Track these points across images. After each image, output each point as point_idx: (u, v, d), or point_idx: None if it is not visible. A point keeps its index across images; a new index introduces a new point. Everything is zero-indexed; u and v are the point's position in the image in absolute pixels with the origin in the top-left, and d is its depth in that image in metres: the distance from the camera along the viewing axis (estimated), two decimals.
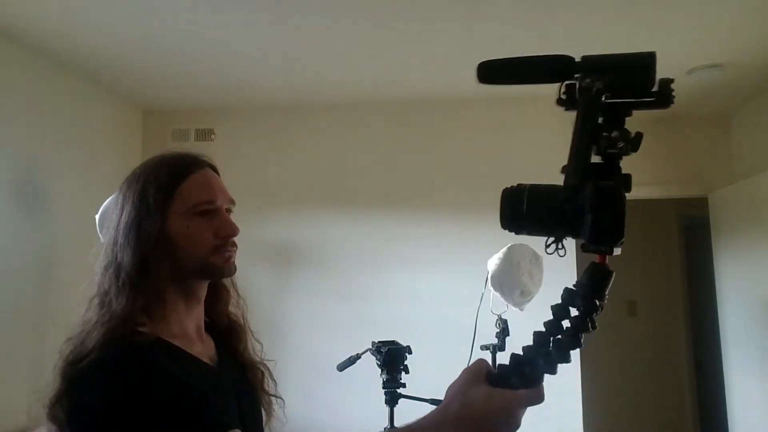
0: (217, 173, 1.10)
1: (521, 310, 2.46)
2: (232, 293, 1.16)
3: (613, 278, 0.72)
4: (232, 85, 3.30)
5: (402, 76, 3.17)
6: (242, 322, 1.18)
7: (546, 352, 0.73)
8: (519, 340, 2.75)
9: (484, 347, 2.48)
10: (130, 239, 0.98)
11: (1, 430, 2.46)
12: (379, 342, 2.16)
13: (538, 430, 3.16)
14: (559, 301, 0.74)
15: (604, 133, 0.69)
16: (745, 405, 3.43)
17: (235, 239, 1.05)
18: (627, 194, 0.71)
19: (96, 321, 0.94)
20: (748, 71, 3.05)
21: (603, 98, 0.68)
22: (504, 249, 2.45)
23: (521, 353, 0.74)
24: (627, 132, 0.69)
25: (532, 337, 0.74)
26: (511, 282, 2.38)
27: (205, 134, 3.67)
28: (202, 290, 1.07)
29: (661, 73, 0.69)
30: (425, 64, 3.01)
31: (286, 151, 3.64)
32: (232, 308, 1.17)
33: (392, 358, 2.11)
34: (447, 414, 0.74)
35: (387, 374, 2.12)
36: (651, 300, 4.65)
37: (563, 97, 0.71)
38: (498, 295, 2.41)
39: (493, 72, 0.77)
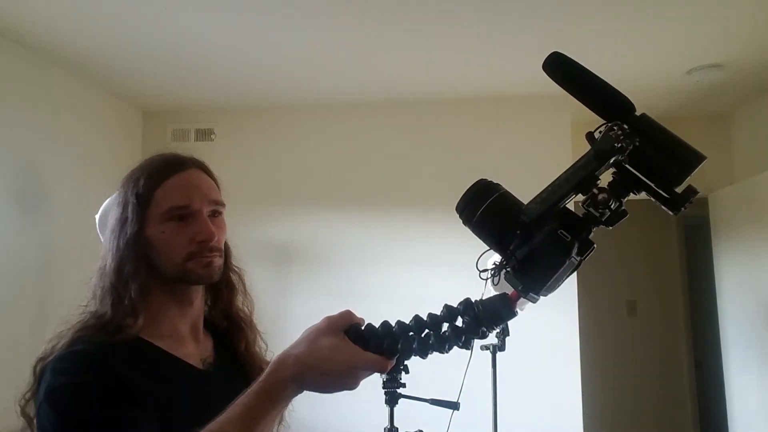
0: (207, 173, 1.07)
1: (521, 310, 2.46)
2: (238, 290, 1.13)
3: (510, 319, 0.71)
4: (232, 85, 3.30)
5: (401, 76, 3.17)
6: (248, 320, 1.15)
7: (412, 339, 0.72)
8: (519, 340, 2.74)
9: (484, 347, 2.48)
10: (112, 245, 1.00)
11: (1, 430, 2.46)
12: None
13: (539, 429, 3.17)
14: (456, 305, 0.73)
15: (595, 190, 0.65)
16: (745, 405, 3.43)
17: (218, 242, 1.02)
18: (580, 259, 0.67)
19: (75, 321, 0.95)
20: (748, 71, 3.05)
21: (618, 158, 0.63)
22: None
23: (395, 326, 0.74)
24: (618, 204, 0.65)
25: (412, 317, 0.74)
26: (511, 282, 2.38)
27: (205, 134, 3.67)
28: (193, 293, 1.05)
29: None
30: (425, 65, 3.01)
31: (286, 151, 3.64)
32: (237, 306, 1.14)
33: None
34: (290, 355, 0.75)
35: (387, 374, 2.11)
36: (651, 300, 4.65)
37: (596, 135, 0.67)
38: None
39: (558, 66, 0.73)
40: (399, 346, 0.72)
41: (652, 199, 0.65)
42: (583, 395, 3.21)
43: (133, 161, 1.07)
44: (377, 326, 0.75)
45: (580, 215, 0.67)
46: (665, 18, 2.50)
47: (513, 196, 0.71)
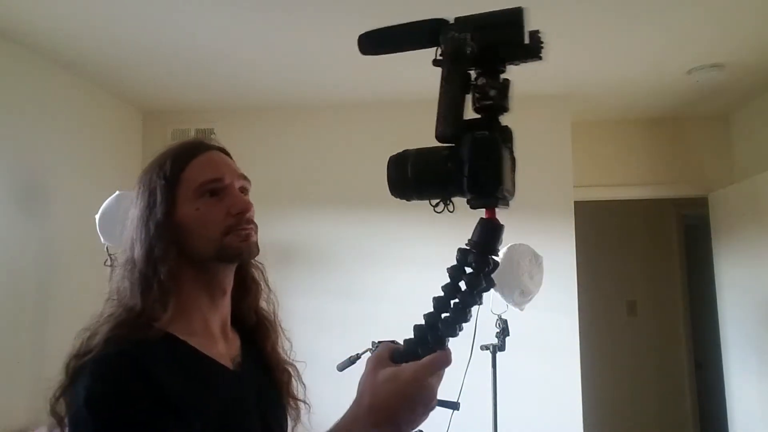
0: (228, 155, 1.07)
1: (521, 309, 2.46)
2: (262, 287, 1.11)
3: (503, 231, 0.72)
4: (232, 85, 3.30)
5: (402, 76, 3.17)
6: (272, 318, 1.13)
7: (447, 318, 0.71)
8: (519, 340, 2.75)
9: (484, 347, 2.48)
10: (140, 233, 0.95)
11: (1, 430, 2.46)
12: (379, 342, 2.15)
13: (539, 429, 3.17)
14: (455, 260, 0.73)
15: (474, 83, 0.70)
16: (745, 405, 3.43)
17: (253, 216, 1.00)
18: (510, 145, 0.73)
19: (108, 315, 0.92)
20: (748, 71, 3.05)
21: (470, 50, 0.69)
22: (504, 249, 2.45)
23: (424, 320, 0.73)
24: (496, 80, 0.70)
25: (432, 302, 0.73)
26: (511, 282, 2.38)
27: (205, 134, 3.67)
28: (227, 279, 1.02)
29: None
30: (425, 65, 3.00)
31: (286, 151, 3.64)
32: (262, 303, 1.11)
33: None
34: (360, 408, 0.71)
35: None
36: (651, 300, 4.65)
37: (439, 57, 0.72)
38: (498, 294, 2.41)
39: (372, 42, 0.79)
40: (440, 331, 0.71)
41: (517, 62, 0.70)
42: (583, 395, 3.21)
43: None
44: (412, 335, 0.74)
45: (479, 112, 0.71)
46: (665, 18, 2.50)
47: (421, 148, 0.73)
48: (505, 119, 0.75)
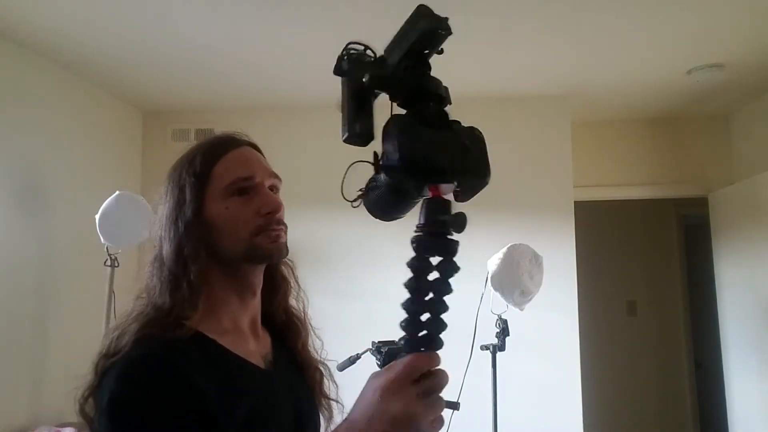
0: (259, 151, 1.05)
1: (521, 310, 2.46)
2: (291, 284, 1.09)
3: (448, 206, 0.69)
4: (232, 84, 3.30)
5: None
6: (302, 316, 1.11)
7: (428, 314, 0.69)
8: (519, 340, 2.74)
9: (484, 347, 2.48)
10: (169, 230, 0.93)
11: (1, 430, 2.46)
12: (379, 342, 2.14)
13: (539, 429, 3.17)
14: (413, 255, 0.72)
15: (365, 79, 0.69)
16: (745, 405, 3.43)
17: (283, 216, 0.99)
18: (438, 123, 0.70)
19: (137, 313, 0.90)
20: (748, 71, 3.05)
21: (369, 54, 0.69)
22: (504, 249, 2.45)
23: (403, 321, 0.71)
24: (415, 65, 0.70)
25: (404, 305, 0.72)
26: (511, 282, 2.38)
27: (205, 134, 3.66)
28: (257, 279, 1.00)
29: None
30: None
31: (287, 151, 3.63)
32: (291, 301, 1.09)
33: (392, 358, 2.08)
34: (344, 423, 0.71)
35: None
36: (651, 300, 4.65)
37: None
38: (498, 295, 2.41)
39: (344, 68, 0.80)
40: (413, 328, 0.69)
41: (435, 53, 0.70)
42: (583, 395, 3.21)
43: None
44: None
45: (405, 106, 0.69)
46: (665, 18, 2.50)
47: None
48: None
